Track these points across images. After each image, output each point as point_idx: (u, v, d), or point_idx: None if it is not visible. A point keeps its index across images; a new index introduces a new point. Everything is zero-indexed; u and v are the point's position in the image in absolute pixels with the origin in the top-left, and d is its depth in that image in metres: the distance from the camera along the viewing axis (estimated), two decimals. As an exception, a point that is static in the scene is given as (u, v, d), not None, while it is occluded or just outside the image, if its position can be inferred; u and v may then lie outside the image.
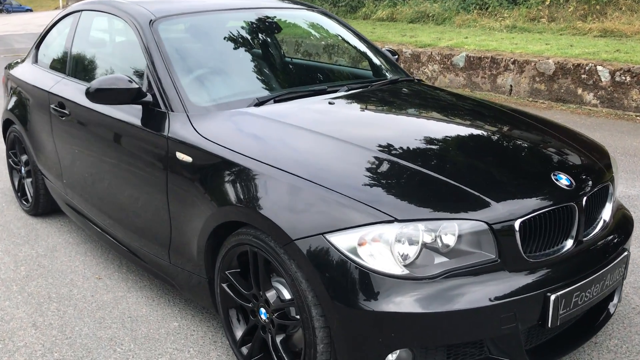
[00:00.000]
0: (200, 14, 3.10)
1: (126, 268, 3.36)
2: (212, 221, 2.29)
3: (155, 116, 2.66)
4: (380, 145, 2.27)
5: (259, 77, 3.00)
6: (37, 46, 4.10)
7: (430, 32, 11.05)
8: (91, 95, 2.65)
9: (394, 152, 2.23)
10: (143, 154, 2.71)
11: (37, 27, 23.44)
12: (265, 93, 2.81)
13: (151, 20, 2.93)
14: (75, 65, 3.48)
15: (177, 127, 2.52)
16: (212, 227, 2.29)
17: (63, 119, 3.34)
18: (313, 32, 3.76)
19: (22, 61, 4.27)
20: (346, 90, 2.87)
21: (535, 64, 7.96)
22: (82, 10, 3.58)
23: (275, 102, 2.68)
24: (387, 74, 3.33)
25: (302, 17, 3.60)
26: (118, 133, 2.88)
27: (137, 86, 2.64)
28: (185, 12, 3.08)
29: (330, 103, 2.66)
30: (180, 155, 2.45)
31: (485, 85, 8.58)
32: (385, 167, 2.14)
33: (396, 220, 1.88)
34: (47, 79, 3.66)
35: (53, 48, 3.87)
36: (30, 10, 47.51)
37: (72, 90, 3.32)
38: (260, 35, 3.28)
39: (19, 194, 4.32)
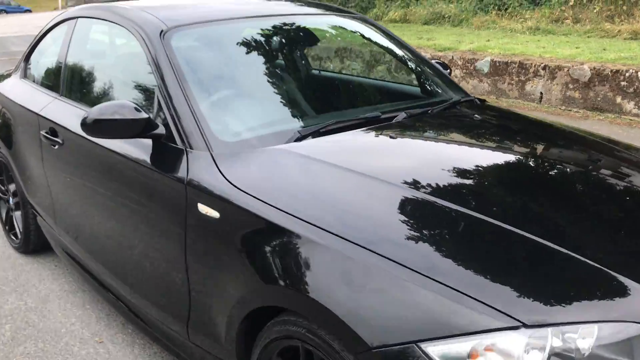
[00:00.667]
0: (221, 22, 2.53)
1: (132, 326, 2.80)
2: (247, 302, 1.73)
3: (169, 154, 2.10)
4: (471, 201, 1.71)
5: (296, 101, 2.42)
6: (27, 58, 3.53)
7: (448, 35, 10.48)
8: (88, 127, 2.09)
9: (490, 210, 1.66)
10: (154, 201, 2.15)
11: (35, 29, 22.86)
12: (307, 122, 2.24)
13: (162, 30, 2.36)
14: (70, 84, 2.92)
15: (199, 171, 1.96)
16: (247, 310, 1.73)
17: (55, 148, 2.78)
18: (353, 42, 3.19)
19: (9, 75, 3.71)
20: (404, 117, 2.30)
21: (568, 70, 7.39)
22: (77, 18, 3.01)
23: (320, 134, 2.12)
24: (443, 93, 2.77)
25: (340, 25, 3.03)
26: (122, 171, 2.32)
27: (146, 116, 2.07)
28: (204, 20, 2.51)
29: (391, 137, 2.09)
30: (204, 209, 1.89)
31: (512, 92, 8.01)
32: (486, 235, 1.58)
33: (524, 325, 1.32)
34: (37, 98, 3.10)
35: (44, 62, 3.30)
36: (29, 11, 46.86)
37: (66, 114, 2.76)
38: (294, 48, 2.71)
39: (6, 228, 3.76)
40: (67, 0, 40.70)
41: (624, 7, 10.07)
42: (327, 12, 3.06)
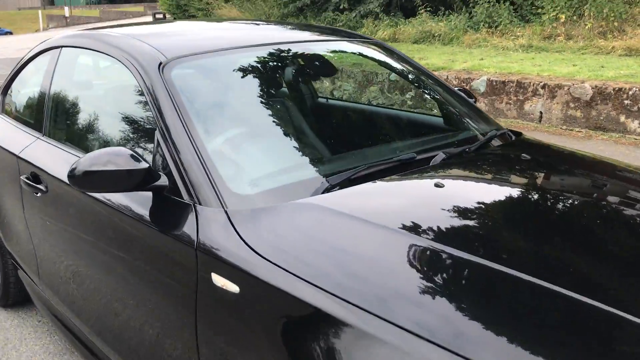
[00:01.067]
0: (227, 52, 2.23)
1: (127, 398, 2.45)
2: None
3: (174, 210, 1.78)
4: (544, 267, 1.41)
5: (318, 140, 2.12)
6: (4, 91, 3.19)
7: (439, 53, 10.30)
8: (77, 180, 1.77)
9: (581, 286, 1.36)
10: (157, 265, 1.83)
11: (16, 52, 22.43)
12: (333, 167, 1.93)
13: (161, 63, 2.06)
14: (54, 122, 2.59)
15: (212, 233, 1.64)
16: None
17: (38, 195, 2.45)
18: (372, 71, 2.90)
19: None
20: (443, 159, 2.00)
21: (569, 89, 7.20)
22: (62, 47, 2.69)
23: (351, 181, 1.81)
24: (473, 125, 2.48)
25: (356, 51, 2.74)
26: (116, 227, 2.00)
27: (145, 165, 1.76)
28: (208, 50, 2.20)
29: (437, 185, 1.79)
30: (220, 280, 1.57)
31: (510, 112, 7.81)
32: (591, 321, 1.27)
33: None
34: (16, 137, 2.77)
35: (24, 96, 2.97)
36: (10, 33, 46.23)
37: (50, 157, 2.43)
38: (311, 79, 2.41)
39: (-17, 278, 3.39)
40: (48, 22, 40.30)
41: (615, 23, 9.98)
42: (341, 38, 2.77)
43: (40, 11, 42.69)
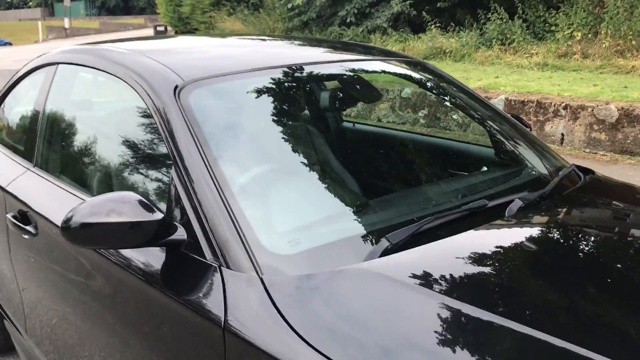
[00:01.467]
0: (254, 74, 1.86)
1: None
2: None
3: (193, 272, 1.41)
4: None
5: (367, 183, 1.75)
6: (-8, 113, 2.83)
7: (452, 71, 9.97)
8: (73, 233, 1.40)
9: None
10: (168, 338, 1.45)
11: (14, 63, 22.14)
12: (389, 216, 1.56)
13: (177, 86, 1.70)
14: (47, 151, 2.22)
15: (245, 309, 1.27)
16: None
17: (26, 238, 2.07)
18: (418, 96, 2.55)
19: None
20: (520, 206, 1.64)
21: (592, 110, 6.86)
22: (58, 64, 2.33)
23: (414, 238, 1.44)
24: (537, 162, 2.11)
25: (400, 73, 2.38)
26: (119, 284, 1.63)
27: (159, 216, 1.39)
28: (230, 72, 1.84)
29: (526, 248, 1.42)
30: (256, 375, 1.20)
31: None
32: None
33: None
34: (3, 167, 2.40)
35: (13, 120, 2.61)
36: (10, 44, 46.01)
37: (42, 193, 2.06)
38: (349, 106, 2.05)
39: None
40: (48, 33, 40.13)
41: (634, 42, 9.69)
42: (374, 57, 2.41)
43: (40, 22, 42.54)
